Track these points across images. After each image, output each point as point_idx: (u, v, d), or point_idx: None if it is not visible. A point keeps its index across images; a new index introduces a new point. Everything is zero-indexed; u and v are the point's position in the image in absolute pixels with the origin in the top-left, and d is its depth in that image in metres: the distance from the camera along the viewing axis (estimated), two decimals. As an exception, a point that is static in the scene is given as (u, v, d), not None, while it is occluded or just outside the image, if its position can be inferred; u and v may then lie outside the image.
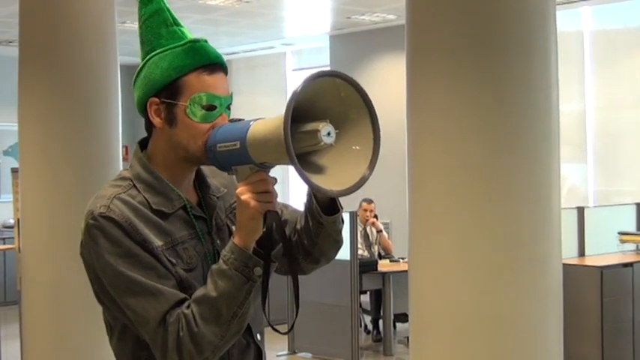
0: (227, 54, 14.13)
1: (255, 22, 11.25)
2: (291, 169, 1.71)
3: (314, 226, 2.00)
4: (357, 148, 1.78)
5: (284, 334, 1.96)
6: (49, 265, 5.68)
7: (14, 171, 7.11)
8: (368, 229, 9.29)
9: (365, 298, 9.01)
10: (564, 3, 9.58)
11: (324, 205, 1.97)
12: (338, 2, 10.42)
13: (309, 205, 1.98)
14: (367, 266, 8.33)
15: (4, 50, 12.34)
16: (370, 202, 9.34)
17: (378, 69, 11.96)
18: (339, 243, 2.08)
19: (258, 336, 2.05)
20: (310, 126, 1.74)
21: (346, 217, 7.60)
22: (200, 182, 2.05)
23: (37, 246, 5.86)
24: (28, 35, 5.97)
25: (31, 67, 5.94)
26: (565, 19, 9.86)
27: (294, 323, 1.97)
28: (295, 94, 1.68)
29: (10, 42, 11.65)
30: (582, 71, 10.72)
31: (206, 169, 2.07)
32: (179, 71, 1.93)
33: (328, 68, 12.62)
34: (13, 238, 9.33)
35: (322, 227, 1.99)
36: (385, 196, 10.57)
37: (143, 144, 2.02)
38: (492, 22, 4.29)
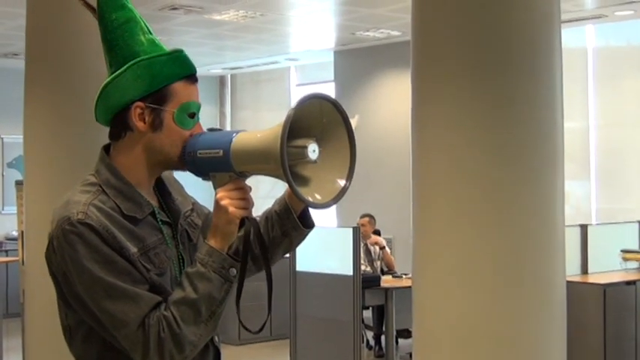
0: (232, 68, 14.17)
1: (260, 37, 11.29)
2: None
3: (277, 237, 2.13)
4: (338, 162, 1.95)
5: (255, 333, 2.05)
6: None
7: (18, 183, 7.13)
8: (369, 244, 9.29)
9: (367, 314, 9.00)
10: (569, 21, 9.60)
11: (301, 219, 2.11)
12: (343, 18, 10.46)
13: (282, 218, 2.11)
14: (370, 282, 8.33)
15: (10, 63, 12.39)
16: (363, 216, 9.36)
17: (382, 85, 11.98)
18: (290, 251, 2.22)
19: (216, 338, 2.12)
20: (299, 142, 1.87)
21: (349, 232, 7.66)
22: (160, 188, 2.11)
23: (41, 258, 5.84)
24: (34, 47, 6.00)
25: (38, 79, 5.96)
26: (569, 36, 9.88)
27: (264, 324, 2.03)
28: (290, 116, 1.81)
29: (16, 55, 11.69)
30: (586, 88, 10.74)
31: (164, 178, 2.14)
32: (169, 79, 1.99)
33: (332, 84, 12.66)
34: (16, 250, 9.35)
35: (286, 238, 2.13)
36: (388, 211, 10.58)
37: (107, 150, 2.05)
38: (497, 39, 4.30)
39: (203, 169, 1.96)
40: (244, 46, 12.02)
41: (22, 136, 6.09)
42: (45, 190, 5.84)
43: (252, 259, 2.03)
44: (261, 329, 2.05)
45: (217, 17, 9.97)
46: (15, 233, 10.64)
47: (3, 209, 12.82)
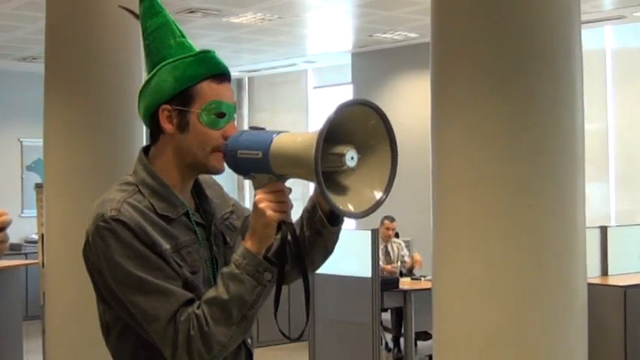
0: (249, 71, 14.19)
1: (278, 39, 11.30)
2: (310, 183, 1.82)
3: (311, 236, 2.07)
4: (378, 173, 1.90)
5: (294, 340, 2.07)
6: (73, 281, 5.68)
7: (38, 186, 7.17)
8: (389, 246, 9.29)
9: (386, 316, 8.98)
10: (587, 22, 9.56)
11: (328, 217, 2.06)
12: (360, 20, 10.46)
13: (310, 216, 2.07)
14: (389, 284, 8.32)
15: (28, 67, 12.47)
16: (392, 220, 9.32)
17: (400, 87, 11.97)
18: (330, 253, 2.15)
19: (249, 340, 2.12)
20: (337, 149, 1.84)
21: (368, 234, 7.65)
22: (197, 191, 2.13)
23: (61, 261, 5.88)
24: (53, 51, 6.04)
25: (57, 82, 6.00)
26: (587, 38, 9.83)
27: (303, 330, 2.05)
28: (329, 120, 1.77)
29: (35, 58, 11.76)
30: (604, 90, 10.68)
31: (202, 181, 2.15)
32: (192, 80, 2.00)
33: (350, 86, 12.66)
34: (35, 253, 9.39)
35: (320, 237, 2.08)
36: (407, 213, 10.55)
37: (145, 151, 2.08)
38: (517, 40, 4.29)
39: (243, 168, 1.95)
40: (262, 48, 12.04)
41: (41, 140, 6.14)
42: (65, 193, 5.87)
43: (291, 263, 2.01)
44: (300, 336, 2.05)
45: (235, 20, 9.99)
46: (34, 236, 10.69)
47: (22, 212, 12.87)
